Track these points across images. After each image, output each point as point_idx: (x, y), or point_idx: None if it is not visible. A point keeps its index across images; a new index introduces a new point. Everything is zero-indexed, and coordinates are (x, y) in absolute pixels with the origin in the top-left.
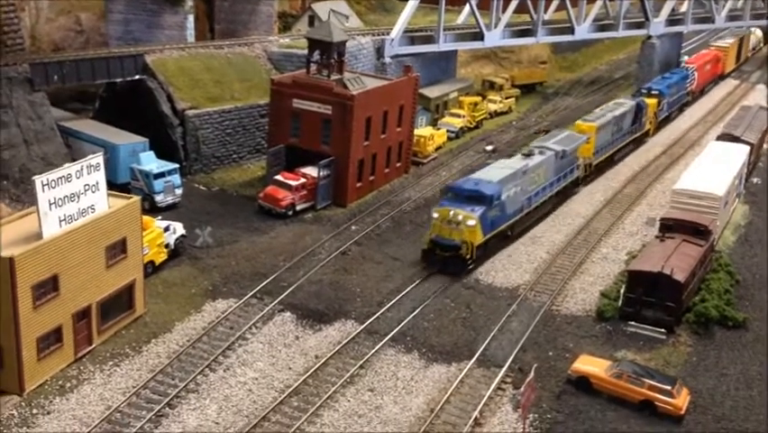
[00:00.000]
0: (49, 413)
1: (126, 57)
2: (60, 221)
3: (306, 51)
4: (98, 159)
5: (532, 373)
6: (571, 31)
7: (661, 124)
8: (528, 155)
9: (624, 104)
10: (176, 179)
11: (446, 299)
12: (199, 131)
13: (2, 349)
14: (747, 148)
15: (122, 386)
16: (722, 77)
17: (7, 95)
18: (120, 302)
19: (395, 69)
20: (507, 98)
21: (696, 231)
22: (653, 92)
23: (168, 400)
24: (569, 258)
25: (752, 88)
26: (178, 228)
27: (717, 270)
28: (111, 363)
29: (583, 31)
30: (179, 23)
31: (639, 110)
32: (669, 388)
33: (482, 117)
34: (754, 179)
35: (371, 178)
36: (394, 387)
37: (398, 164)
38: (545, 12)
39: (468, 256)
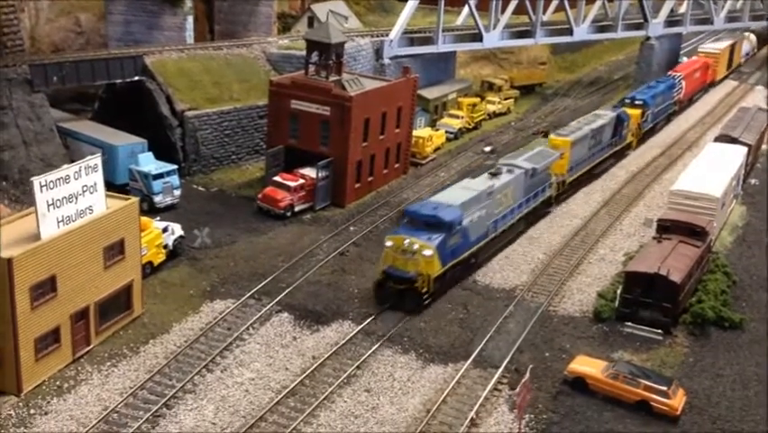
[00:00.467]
0: (46, 414)
1: (126, 58)
2: (59, 222)
3: (304, 53)
4: (96, 160)
5: (527, 374)
6: (569, 32)
7: (646, 135)
8: (495, 174)
9: (603, 115)
10: (174, 179)
11: (443, 299)
12: (198, 132)
13: (0, 350)
14: (745, 149)
15: (119, 387)
16: (712, 85)
17: (7, 96)
18: (118, 303)
19: (394, 71)
20: (505, 99)
21: (693, 232)
22: (636, 102)
23: (165, 400)
24: (566, 259)
25: (750, 89)
26: (177, 229)
27: (714, 271)
28: (109, 363)
29: (582, 32)
30: (179, 25)
31: (620, 122)
32: (665, 388)
33: (481, 118)
34: (752, 181)
35: (370, 179)
36: (391, 387)
37: (397, 165)
38: (544, 13)
39: (424, 290)
